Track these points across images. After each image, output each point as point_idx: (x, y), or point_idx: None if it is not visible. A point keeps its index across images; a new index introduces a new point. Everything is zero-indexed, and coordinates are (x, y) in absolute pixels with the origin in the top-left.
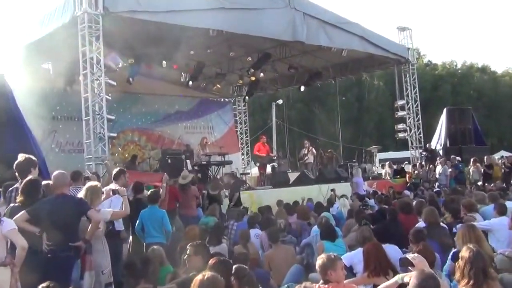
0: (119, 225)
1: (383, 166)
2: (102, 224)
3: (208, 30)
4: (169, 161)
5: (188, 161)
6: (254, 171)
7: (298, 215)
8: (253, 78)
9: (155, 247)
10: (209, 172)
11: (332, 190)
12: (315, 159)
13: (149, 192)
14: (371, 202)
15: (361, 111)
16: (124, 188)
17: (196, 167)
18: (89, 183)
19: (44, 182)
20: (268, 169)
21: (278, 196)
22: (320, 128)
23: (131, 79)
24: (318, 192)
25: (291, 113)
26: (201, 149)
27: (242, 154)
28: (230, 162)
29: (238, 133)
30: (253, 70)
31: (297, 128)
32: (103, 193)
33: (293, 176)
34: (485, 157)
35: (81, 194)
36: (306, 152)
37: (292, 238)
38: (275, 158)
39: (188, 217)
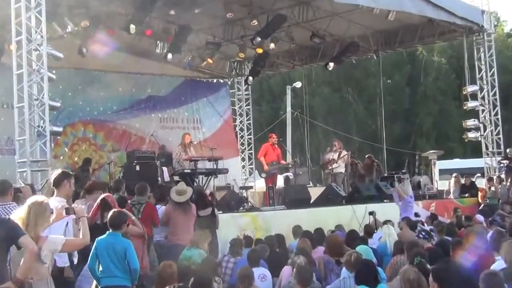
0: (62, 259)
1: (445, 180)
2: (48, 258)
3: None
4: (138, 167)
5: (164, 168)
6: (260, 184)
7: (327, 248)
8: (259, 51)
9: None
10: (195, 184)
11: (372, 213)
12: (347, 168)
13: (109, 214)
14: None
15: (414, 100)
16: (83, 206)
17: (175, 177)
18: (32, 199)
19: None
20: (280, 181)
21: (294, 220)
22: (355, 124)
23: (84, 50)
24: (351, 216)
25: (313, 102)
26: (183, 152)
27: (243, 159)
28: (225, 171)
29: (237, 129)
30: (259, 39)
31: (322, 123)
32: (52, 212)
33: (315, 192)
34: None
35: (18, 214)
36: (334, 157)
37: (315, 283)
38: (290, 166)
39: (178, 247)
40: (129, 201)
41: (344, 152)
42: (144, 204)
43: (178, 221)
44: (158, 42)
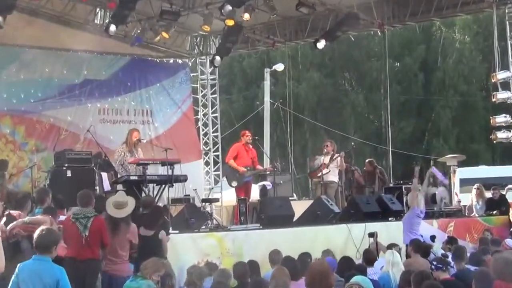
0: None
1: (467, 192)
2: None
3: None
4: (69, 173)
5: (104, 174)
6: (229, 196)
7: (309, 279)
8: (230, 23)
9: None
10: (144, 194)
11: (373, 234)
12: (341, 175)
13: (36, 232)
14: (439, 253)
15: (428, 89)
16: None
17: (118, 186)
18: None
19: None
20: (255, 192)
21: (272, 244)
22: (352, 120)
23: (0, 19)
24: (345, 238)
25: (299, 90)
26: (128, 152)
27: (207, 163)
28: (183, 179)
29: (200, 124)
30: (230, 8)
31: (310, 117)
32: None
33: (300, 207)
34: None
35: None
36: (325, 161)
37: None
38: (268, 172)
39: (117, 278)
40: (71, 214)
41: (337, 157)
42: (92, 218)
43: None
44: (97, 9)
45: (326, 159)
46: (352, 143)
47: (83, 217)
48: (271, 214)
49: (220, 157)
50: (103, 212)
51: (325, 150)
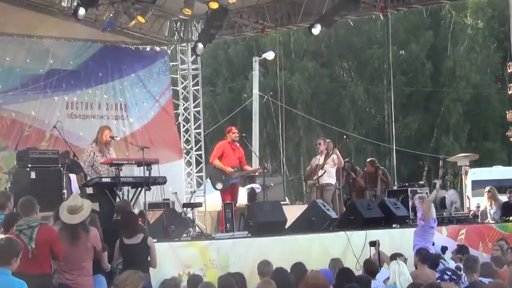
0: None
1: (480, 196)
2: None
3: None
4: (33, 174)
5: (72, 175)
6: (213, 200)
7: None
8: (214, 5)
9: None
10: (118, 199)
11: (374, 243)
12: (340, 177)
13: None
14: (450, 263)
15: (437, 80)
16: None
17: (88, 189)
18: None
19: None
20: (242, 196)
21: (261, 253)
22: (352, 114)
23: None
24: (344, 247)
25: (292, 81)
26: (98, 152)
27: (189, 163)
28: (162, 181)
29: (180, 119)
30: None
31: (304, 112)
32: None
33: (293, 212)
34: None
35: None
36: (320, 162)
37: None
38: (257, 174)
39: None
40: (15, 226)
41: (334, 155)
42: (36, 227)
43: (65, 253)
44: None
45: (321, 159)
46: (344, 136)
47: (27, 228)
48: (260, 220)
49: (203, 156)
50: (57, 221)
51: (320, 150)
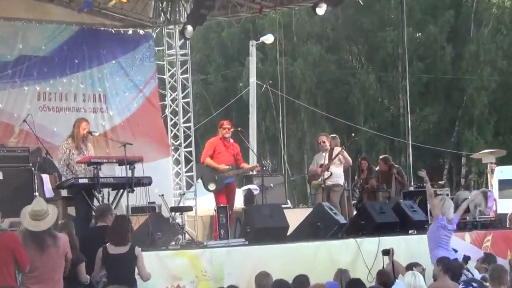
0: None
1: (509, 197)
2: None
3: None
4: (0, 175)
5: (45, 176)
6: (205, 203)
7: None
8: None
9: None
10: (97, 202)
11: (387, 252)
12: (349, 176)
13: None
14: (476, 275)
15: (459, 66)
16: None
17: (63, 191)
18: None
19: None
20: (239, 198)
21: (260, 263)
22: (362, 106)
23: None
24: (354, 256)
25: (294, 68)
26: (74, 149)
27: (177, 162)
28: (146, 182)
29: (167, 112)
30: None
31: (308, 103)
32: None
33: (296, 216)
34: None
35: None
36: (326, 161)
37: None
38: (255, 173)
39: None
40: None
41: (337, 149)
42: None
43: (32, 264)
44: None
45: (326, 157)
46: (353, 134)
47: None
48: (259, 226)
49: (193, 153)
50: (20, 228)
51: (324, 147)
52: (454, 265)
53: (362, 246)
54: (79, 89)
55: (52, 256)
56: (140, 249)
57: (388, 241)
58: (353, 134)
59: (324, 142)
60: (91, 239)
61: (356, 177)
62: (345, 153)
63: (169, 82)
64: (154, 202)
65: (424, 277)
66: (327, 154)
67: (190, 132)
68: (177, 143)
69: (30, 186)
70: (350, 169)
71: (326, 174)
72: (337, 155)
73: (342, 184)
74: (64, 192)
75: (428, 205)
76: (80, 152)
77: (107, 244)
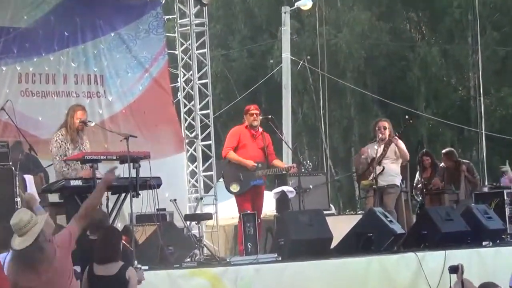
0: None
1: None
2: None
3: None
4: None
5: (28, 177)
6: (227, 209)
7: None
8: None
9: None
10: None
11: (455, 269)
12: (406, 174)
13: None
14: None
15: None
16: None
17: (51, 195)
18: None
19: None
20: (269, 204)
21: (296, 284)
22: (423, 85)
23: None
24: (414, 274)
25: (338, 40)
26: (68, 143)
27: (193, 158)
28: (154, 184)
29: (180, 96)
30: None
31: (355, 84)
32: None
33: (342, 225)
34: None
35: None
36: (378, 153)
37: None
38: (290, 174)
39: None
40: None
41: (396, 144)
42: None
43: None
44: None
45: (379, 149)
46: (407, 117)
47: None
48: (295, 237)
49: (213, 147)
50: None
51: (380, 135)
52: None
53: (424, 262)
54: (70, 69)
55: (49, 272)
56: (133, 269)
57: (457, 255)
58: (407, 117)
59: (385, 128)
60: (83, 254)
61: (416, 175)
62: (400, 142)
63: (182, 59)
64: (164, 209)
65: None
66: (382, 145)
67: (209, 121)
68: (192, 135)
69: (10, 190)
70: (408, 165)
71: (378, 169)
72: (388, 144)
73: (399, 184)
74: (52, 197)
75: (506, 210)
76: (76, 146)
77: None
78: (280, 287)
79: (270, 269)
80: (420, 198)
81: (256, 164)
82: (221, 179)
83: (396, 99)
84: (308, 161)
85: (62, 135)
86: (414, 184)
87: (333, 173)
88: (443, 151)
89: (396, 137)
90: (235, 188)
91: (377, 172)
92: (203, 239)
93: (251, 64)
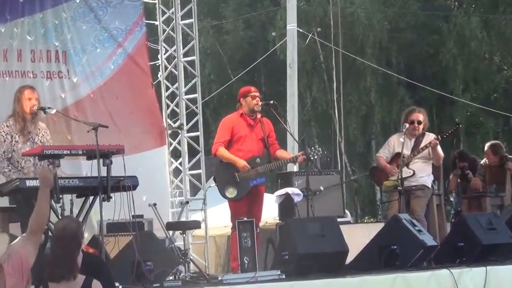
0: None
1: None
2: None
3: None
4: None
5: None
6: (219, 215)
7: None
8: None
9: None
10: (56, 215)
11: None
12: (439, 174)
13: None
14: None
15: None
16: None
17: (2, 198)
18: None
19: None
20: (271, 209)
21: None
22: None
23: None
24: None
25: (354, 10)
26: (18, 134)
27: (176, 153)
28: (130, 185)
29: (161, 78)
30: None
31: (375, 61)
32: None
33: (361, 234)
34: None
35: None
36: (407, 150)
37: None
38: (297, 172)
39: None
40: None
41: (430, 136)
42: None
43: None
44: None
45: (409, 144)
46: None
47: None
48: (303, 251)
49: (201, 141)
50: None
51: (409, 126)
52: None
53: (461, 281)
54: (25, 43)
55: None
56: (97, 282)
57: (500, 272)
58: (457, 120)
59: (419, 123)
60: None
61: (451, 175)
62: (439, 147)
63: (164, 31)
64: (141, 216)
65: None
66: (414, 140)
67: (197, 107)
68: (176, 124)
69: None
70: (442, 164)
71: (406, 172)
72: (427, 146)
73: (430, 186)
74: (3, 201)
75: None
76: (28, 139)
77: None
78: None
79: None
80: (456, 202)
81: (248, 165)
82: (211, 181)
83: (427, 81)
84: (318, 147)
85: (7, 126)
86: (447, 185)
87: (349, 171)
88: (487, 144)
89: (437, 140)
90: (231, 192)
91: (404, 175)
92: (189, 252)
93: (248, 38)
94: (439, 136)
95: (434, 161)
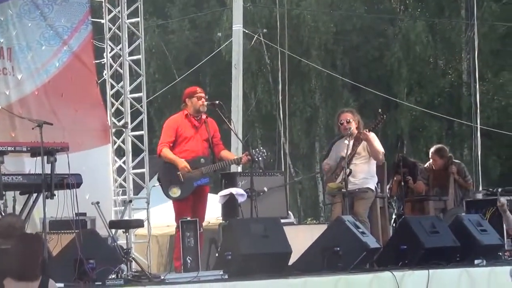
0: None
1: None
2: None
3: None
4: None
5: None
6: (162, 215)
7: None
8: None
9: None
10: None
11: None
12: (383, 176)
13: None
14: None
15: None
16: None
17: None
18: None
19: None
20: (214, 209)
21: None
22: (406, 68)
23: None
24: None
25: (300, 11)
26: None
27: (120, 152)
28: (73, 182)
29: (106, 76)
30: None
31: (320, 63)
32: None
33: (303, 236)
34: None
35: None
36: (348, 151)
37: None
38: (240, 173)
39: None
40: None
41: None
42: None
43: None
44: None
45: (349, 143)
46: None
47: None
48: (246, 251)
49: (145, 139)
50: None
51: (347, 130)
52: None
53: (403, 283)
54: None
55: None
56: (53, 282)
57: (443, 275)
58: (380, 111)
59: (348, 122)
60: None
61: (394, 178)
62: (371, 138)
63: (110, 29)
64: (84, 214)
65: None
66: (352, 141)
67: (141, 106)
68: (120, 123)
69: None
70: (386, 165)
71: (348, 171)
72: (357, 141)
73: (374, 188)
74: None
75: (504, 223)
76: None
77: (6, 278)
78: None
79: None
80: (398, 205)
81: (188, 166)
82: (155, 181)
83: (372, 84)
84: (262, 149)
85: None
86: (390, 187)
87: (293, 173)
88: (433, 148)
89: (365, 133)
90: (175, 192)
91: (347, 174)
92: (131, 251)
93: (193, 38)
94: (367, 130)
95: (372, 157)
